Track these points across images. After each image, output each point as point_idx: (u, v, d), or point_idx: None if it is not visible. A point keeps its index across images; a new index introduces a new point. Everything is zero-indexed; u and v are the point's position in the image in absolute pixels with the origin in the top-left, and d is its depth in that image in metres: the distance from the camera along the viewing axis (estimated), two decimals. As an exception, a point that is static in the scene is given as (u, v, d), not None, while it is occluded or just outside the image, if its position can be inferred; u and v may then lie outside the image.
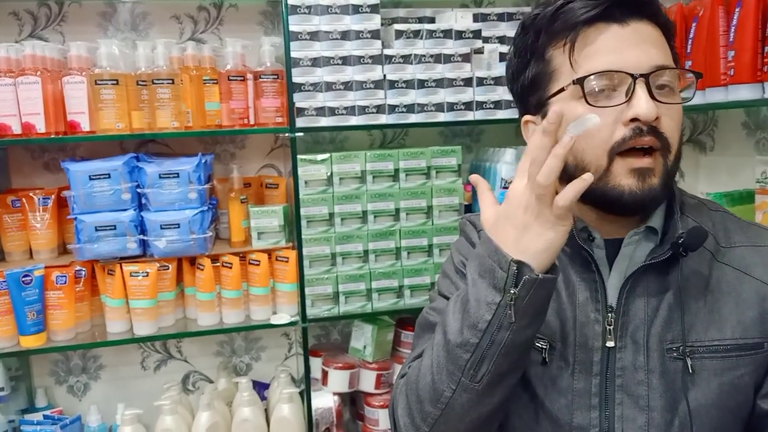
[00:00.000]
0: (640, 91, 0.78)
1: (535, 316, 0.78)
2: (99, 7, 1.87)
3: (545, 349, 0.88)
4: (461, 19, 1.84)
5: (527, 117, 0.92)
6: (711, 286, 0.86)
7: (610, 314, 0.86)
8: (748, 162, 1.73)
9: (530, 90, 0.89)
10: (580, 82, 0.81)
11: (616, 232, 0.88)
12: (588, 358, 0.86)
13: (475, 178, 0.84)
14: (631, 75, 0.79)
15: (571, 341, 0.87)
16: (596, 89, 0.80)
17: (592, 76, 0.80)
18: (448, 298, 0.97)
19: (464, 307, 0.80)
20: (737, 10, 1.25)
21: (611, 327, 0.85)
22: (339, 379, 1.84)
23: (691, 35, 1.41)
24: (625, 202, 0.81)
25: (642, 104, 0.78)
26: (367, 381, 1.86)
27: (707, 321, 0.84)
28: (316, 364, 1.89)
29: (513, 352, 0.78)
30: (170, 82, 1.65)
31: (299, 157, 1.71)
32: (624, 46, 0.80)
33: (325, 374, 1.86)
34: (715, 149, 1.89)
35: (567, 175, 0.85)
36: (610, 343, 0.85)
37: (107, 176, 1.63)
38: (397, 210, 1.79)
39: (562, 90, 0.83)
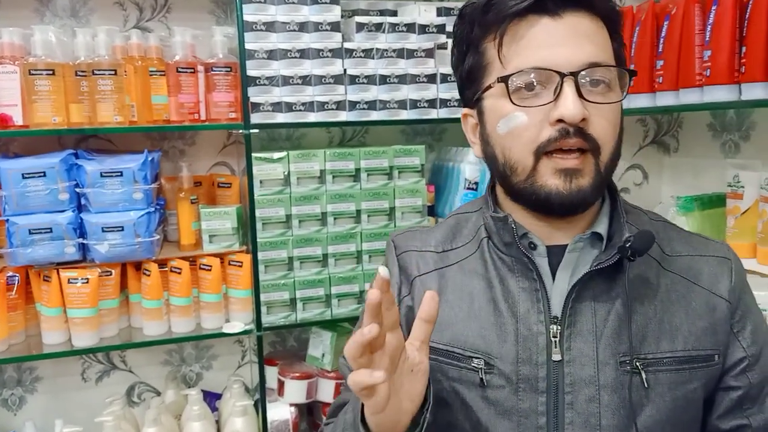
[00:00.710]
0: (568, 90, 0.74)
1: None
2: (35, -10, 1.72)
3: (481, 368, 0.81)
4: (425, 13, 1.77)
5: (465, 110, 0.88)
6: (660, 294, 0.82)
7: (554, 326, 0.80)
8: (714, 164, 1.71)
9: (467, 83, 0.85)
10: (504, 80, 0.76)
11: (559, 238, 0.83)
12: (533, 375, 0.80)
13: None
14: (559, 73, 0.74)
15: (512, 357, 0.80)
16: (523, 87, 0.76)
17: (516, 75, 0.76)
18: None
19: None
20: (714, 8, 1.21)
21: (557, 339, 0.79)
22: (296, 390, 1.75)
23: (663, 34, 1.36)
24: (552, 202, 0.77)
25: (568, 105, 0.73)
26: (326, 390, 1.77)
27: (658, 331, 0.80)
28: (271, 373, 1.80)
29: None
30: (113, 72, 1.52)
31: (254, 155, 1.61)
32: (555, 41, 0.75)
33: (281, 384, 1.76)
34: (679, 150, 1.86)
35: (499, 173, 0.82)
36: (557, 357, 0.79)
37: (42, 174, 1.50)
38: (358, 212, 1.70)
39: (490, 86, 0.80)
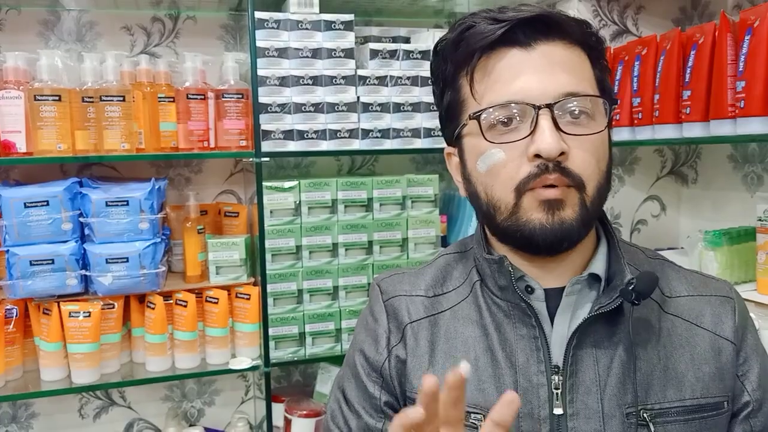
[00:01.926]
0: (544, 123, 0.70)
1: None
2: (40, 14, 1.68)
3: (481, 425, 0.74)
4: (439, 40, 1.73)
5: (448, 149, 0.84)
6: (662, 339, 0.76)
7: (556, 376, 0.74)
8: (736, 196, 1.67)
9: (447, 120, 0.81)
10: (476, 117, 0.73)
11: (552, 280, 0.77)
12: (535, 431, 0.73)
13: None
14: (533, 106, 0.70)
15: None
16: (498, 123, 0.72)
17: (489, 110, 0.72)
18: (351, 408, 0.83)
19: None
20: (747, 38, 1.18)
21: (558, 391, 0.73)
22: (304, 428, 1.67)
23: (690, 64, 1.33)
24: (536, 237, 0.72)
25: (545, 139, 0.69)
26: (335, 429, 1.70)
27: (664, 379, 0.74)
28: (277, 410, 1.72)
29: None
30: (121, 99, 1.47)
31: (265, 184, 1.56)
32: (526, 73, 0.71)
33: (288, 422, 1.69)
34: (698, 182, 1.82)
35: (483, 213, 0.77)
36: (558, 410, 0.73)
37: (45, 203, 1.44)
38: (371, 242, 1.65)
39: (465, 124, 0.76)
